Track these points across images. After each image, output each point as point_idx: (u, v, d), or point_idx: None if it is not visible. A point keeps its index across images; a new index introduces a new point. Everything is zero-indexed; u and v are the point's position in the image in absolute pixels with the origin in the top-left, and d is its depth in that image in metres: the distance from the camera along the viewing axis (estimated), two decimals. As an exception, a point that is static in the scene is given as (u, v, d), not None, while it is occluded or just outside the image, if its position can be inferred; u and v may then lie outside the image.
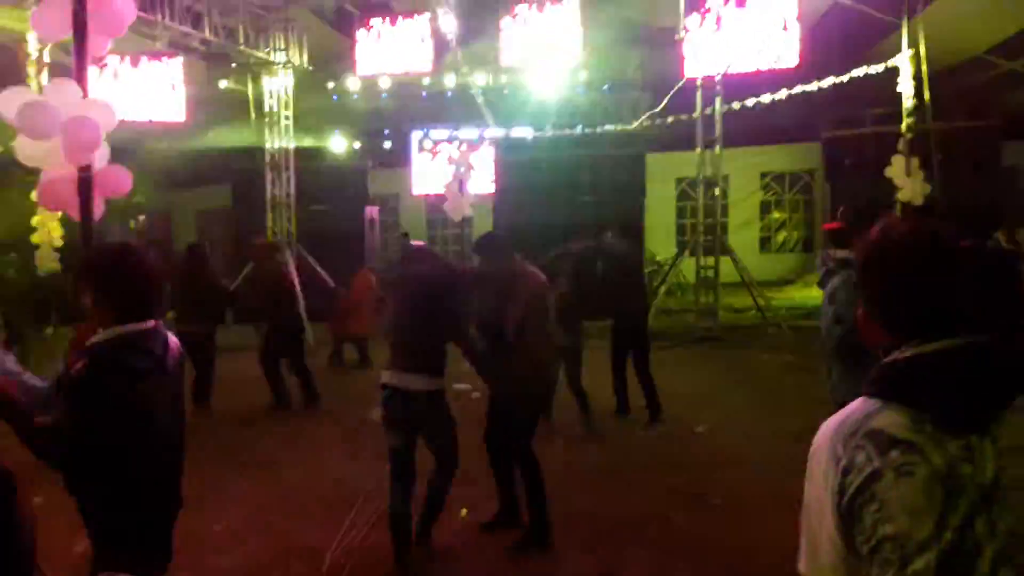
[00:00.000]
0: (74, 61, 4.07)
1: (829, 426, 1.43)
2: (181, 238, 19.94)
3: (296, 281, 9.80)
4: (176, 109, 12.62)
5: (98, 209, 4.24)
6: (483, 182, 16.76)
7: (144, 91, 12.24)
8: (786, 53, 10.96)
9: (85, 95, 4.11)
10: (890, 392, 1.38)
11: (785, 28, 10.90)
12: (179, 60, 12.62)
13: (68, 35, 4.07)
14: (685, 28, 11.59)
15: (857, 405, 1.41)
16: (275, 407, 8.58)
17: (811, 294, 16.21)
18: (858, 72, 12.00)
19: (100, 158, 4.26)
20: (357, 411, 8.06)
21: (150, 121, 12.52)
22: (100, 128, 4.10)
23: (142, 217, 19.87)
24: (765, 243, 19.81)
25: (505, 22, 12.52)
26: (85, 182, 4.14)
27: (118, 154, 4.46)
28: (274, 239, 13.82)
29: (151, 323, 2.43)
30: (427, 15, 13.01)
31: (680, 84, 12.60)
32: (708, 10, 11.28)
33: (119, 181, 4.44)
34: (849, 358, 4.04)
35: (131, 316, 2.39)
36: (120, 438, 2.28)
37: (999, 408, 1.37)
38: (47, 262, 10.69)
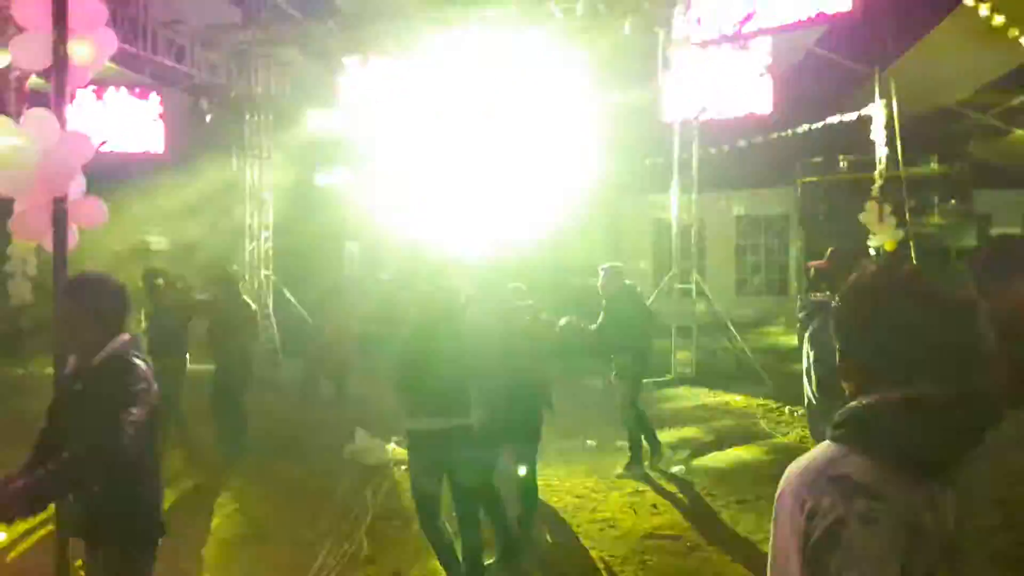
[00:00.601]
0: (52, 92, 4.05)
1: (795, 469, 1.44)
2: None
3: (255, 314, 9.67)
4: (156, 140, 12.59)
5: (72, 240, 4.19)
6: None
7: (124, 122, 12.22)
8: (761, 100, 11.17)
9: (63, 126, 4.09)
10: (854, 438, 1.38)
11: (760, 76, 11.12)
12: (159, 92, 12.63)
13: (47, 65, 4.06)
14: (663, 73, 11.78)
15: (822, 449, 1.42)
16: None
17: (785, 336, 16.35)
18: (832, 120, 12.27)
19: (76, 189, 4.22)
20: (332, 448, 7.99)
21: (129, 152, 12.48)
22: (77, 159, 4.07)
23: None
24: (740, 285, 19.98)
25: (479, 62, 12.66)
26: (60, 213, 4.09)
27: (94, 184, 4.43)
28: (235, 269, 13.72)
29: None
30: (410, 59, 13.13)
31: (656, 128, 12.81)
32: (686, 57, 11.48)
33: (95, 212, 4.40)
34: (829, 399, 4.09)
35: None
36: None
37: (959, 456, 1.37)
38: (22, 293, 10.55)
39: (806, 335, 4.52)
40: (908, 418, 1.34)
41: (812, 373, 4.37)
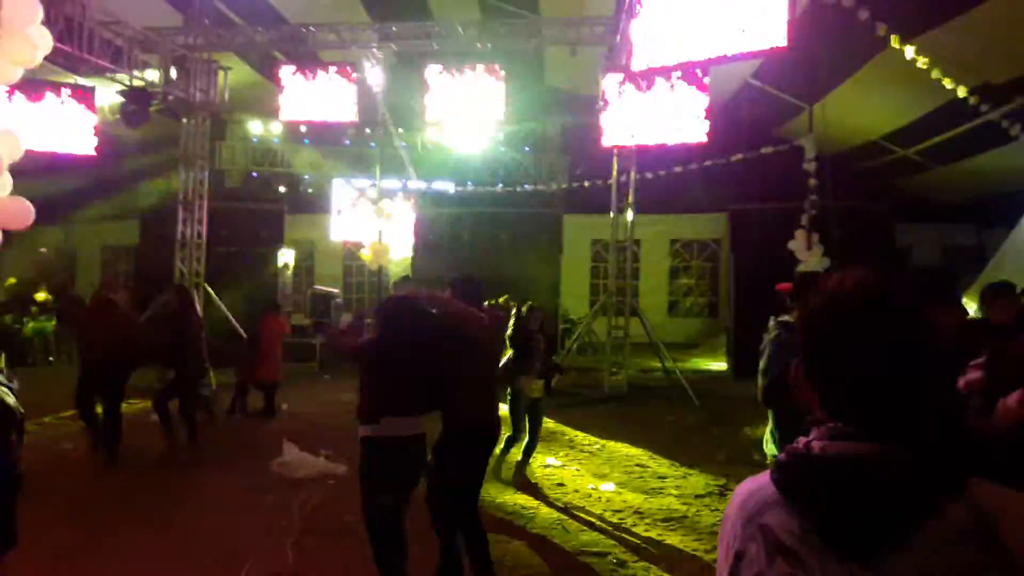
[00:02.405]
0: (-18, 90, 3.96)
1: (740, 494, 1.34)
2: (84, 274, 19.20)
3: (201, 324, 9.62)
4: (86, 143, 12.21)
5: (-4, 241, 4.08)
6: (403, 233, 16.77)
7: (56, 123, 11.84)
8: (696, 129, 11.46)
9: (-9, 125, 3.98)
10: (786, 486, 1.25)
11: (697, 106, 11.42)
12: (93, 93, 12.29)
13: (-22, 63, 3.96)
14: (604, 99, 12.01)
15: (763, 483, 1.30)
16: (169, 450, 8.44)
17: (714, 358, 16.74)
18: (765, 150, 12.68)
19: (2, 188, 4.12)
20: (261, 461, 7.86)
21: (58, 153, 12.09)
22: (2, 159, 3.98)
23: (43, 249, 19.05)
24: (673, 307, 20.37)
25: (430, 78, 12.72)
26: (-16, 213, 3.99)
27: (22, 185, 4.32)
28: (181, 280, 13.48)
29: None
30: (353, 67, 13.10)
31: (594, 152, 13.06)
32: (624, 84, 11.73)
33: (20, 213, 4.30)
34: (774, 410, 4.27)
35: None
36: None
37: (893, 539, 1.16)
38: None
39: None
40: (848, 482, 1.17)
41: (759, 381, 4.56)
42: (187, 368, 8.96)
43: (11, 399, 2.65)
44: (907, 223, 16.21)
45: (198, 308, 8.97)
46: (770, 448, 4.35)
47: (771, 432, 4.36)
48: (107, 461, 7.88)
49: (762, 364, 4.34)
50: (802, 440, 1.26)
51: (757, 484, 1.31)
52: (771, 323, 4.42)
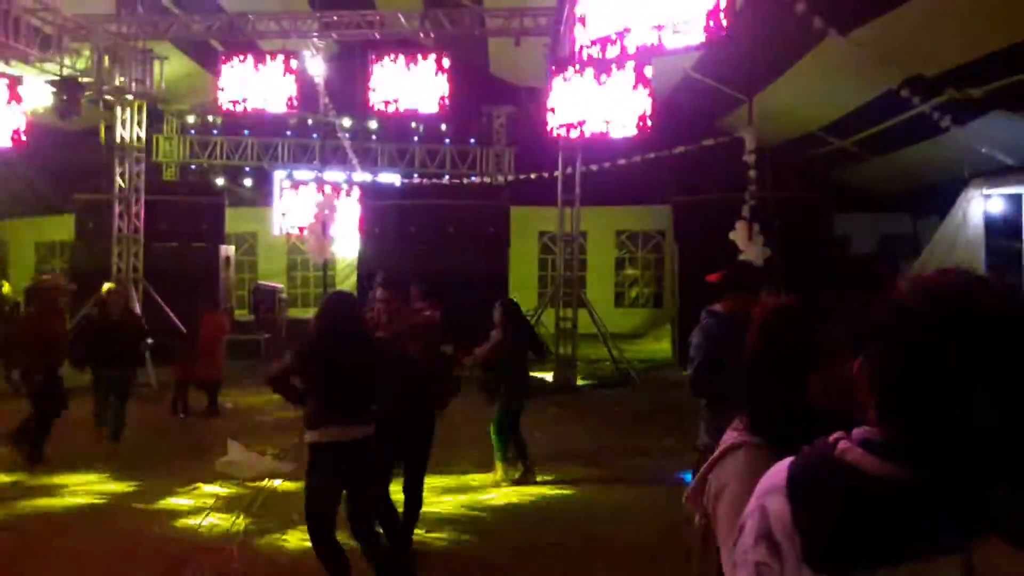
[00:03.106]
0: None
1: (770, 471, 1.24)
2: (17, 270, 18.53)
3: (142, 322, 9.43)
4: (3, 133, 11.70)
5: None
6: (347, 226, 16.58)
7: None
8: (638, 122, 11.55)
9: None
10: (795, 478, 1.16)
11: (639, 98, 11.50)
12: (20, 83, 11.82)
13: None
14: (548, 90, 12.03)
15: (786, 465, 1.20)
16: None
17: (660, 347, 16.97)
18: (706, 142, 12.85)
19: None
20: (205, 460, 7.71)
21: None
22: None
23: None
24: (619, 298, 20.57)
25: (374, 68, 12.59)
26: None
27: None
28: (118, 276, 13.11)
29: None
30: (294, 56, 12.87)
31: (540, 144, 13.10)
32: (568, 75, 11.76)
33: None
34: (704, 398, 4.43)
35: None
36: None
37: (880, 563, 1.04)
38: None
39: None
40: (871, 503, 1.06)
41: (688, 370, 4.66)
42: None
43: None
44: (844, 213, 16.61)
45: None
46: (703, 438, 4.40)
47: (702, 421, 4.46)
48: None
49: (691, 352, 4.48)
50: (833, 437, 1.15)
51: (784, 464, 1.20)
52: (703, 313, 4.53)
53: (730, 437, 1.80)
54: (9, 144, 11.74)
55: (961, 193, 11.67)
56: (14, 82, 11.69)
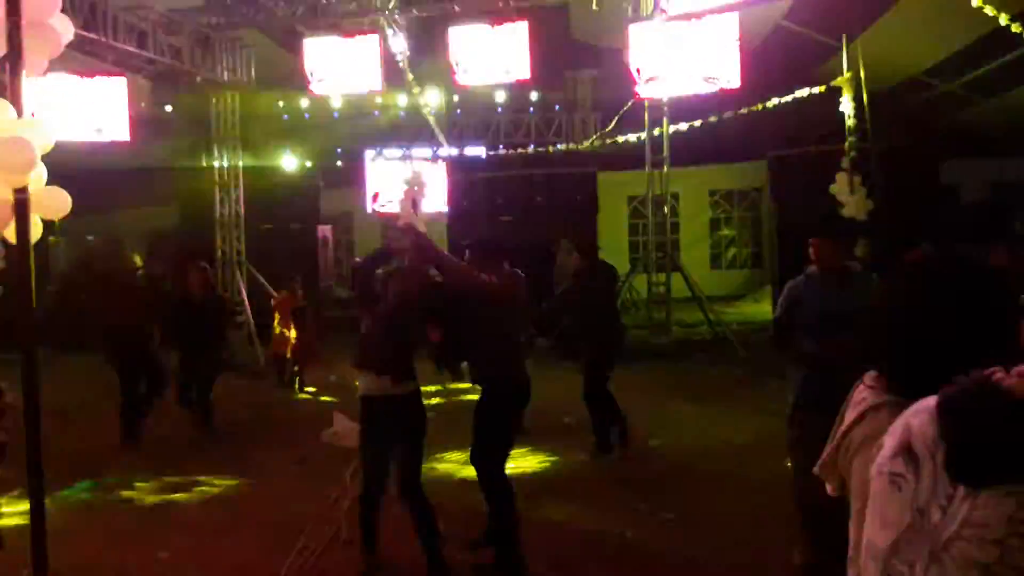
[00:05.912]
0: (8, 80, 3.96)
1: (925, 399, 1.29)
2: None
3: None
4: (121, 128, 12.35)
5: (36, 231, 4.12)
6: (437, 201, 16.72)
7: (88, 110, 11.98)
8: (730, 75, 11.16)
9: (20, 115, 4.00)
10: (949, 399, 1.21)
11: (729, 51, 11.11)
12: (123, 79, 12.38)
13: (2, 54, 3.97)
14: (632, 50, 11.76)
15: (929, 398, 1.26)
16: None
17: (760, 309, 16.50)
18: (801, 93, 12.31)
19: (37, 179, 4.14)
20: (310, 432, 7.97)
21: (94, 141, 12.24)
22: (35, 149, 3.99)
23: (91, 237, 19.38)
24: (715, 259, 20.11)
25: (455, 41, 12.57)
26: (21, 204, 4.02)
27: (58, 174, 4.35)
28: (223, 259, 13.65)
29: None
30: (377, 35, 12.98)
31: (628, 105, 12.81)
32: (655, 34, 11.45)
33: (58, 202, 4.33)
34: (786, 355, 4.35)
35: None
36: None
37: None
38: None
39: None
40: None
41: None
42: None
43: None
44: (953, 160, 15.69)
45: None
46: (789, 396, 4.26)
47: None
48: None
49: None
50: (989, 371, 1.20)
51: (932, 397, 1.26)
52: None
53: (866, 395, 1.61)
54: (127, 138, 12.38)
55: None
56: (127, 79, 12.30)
